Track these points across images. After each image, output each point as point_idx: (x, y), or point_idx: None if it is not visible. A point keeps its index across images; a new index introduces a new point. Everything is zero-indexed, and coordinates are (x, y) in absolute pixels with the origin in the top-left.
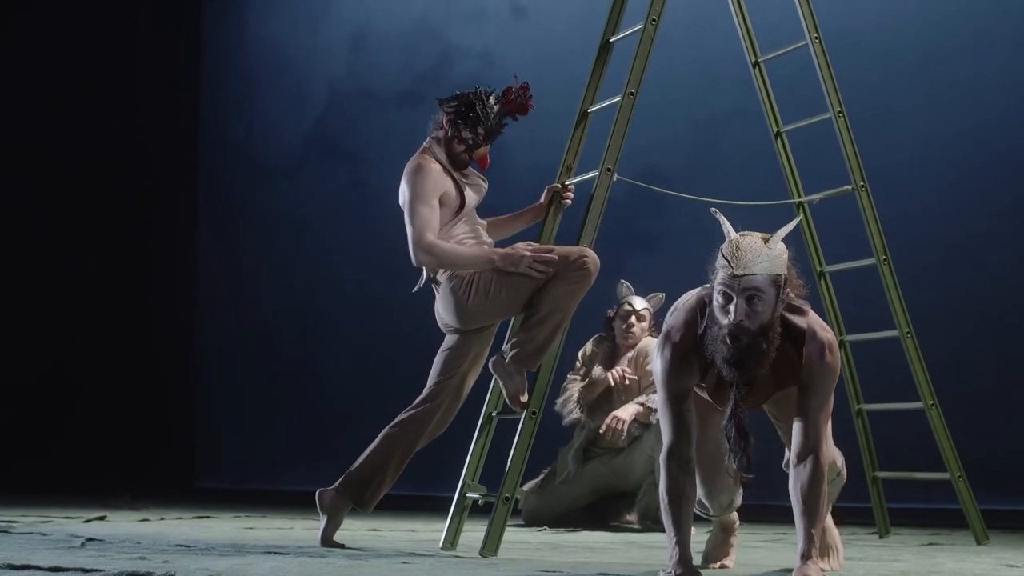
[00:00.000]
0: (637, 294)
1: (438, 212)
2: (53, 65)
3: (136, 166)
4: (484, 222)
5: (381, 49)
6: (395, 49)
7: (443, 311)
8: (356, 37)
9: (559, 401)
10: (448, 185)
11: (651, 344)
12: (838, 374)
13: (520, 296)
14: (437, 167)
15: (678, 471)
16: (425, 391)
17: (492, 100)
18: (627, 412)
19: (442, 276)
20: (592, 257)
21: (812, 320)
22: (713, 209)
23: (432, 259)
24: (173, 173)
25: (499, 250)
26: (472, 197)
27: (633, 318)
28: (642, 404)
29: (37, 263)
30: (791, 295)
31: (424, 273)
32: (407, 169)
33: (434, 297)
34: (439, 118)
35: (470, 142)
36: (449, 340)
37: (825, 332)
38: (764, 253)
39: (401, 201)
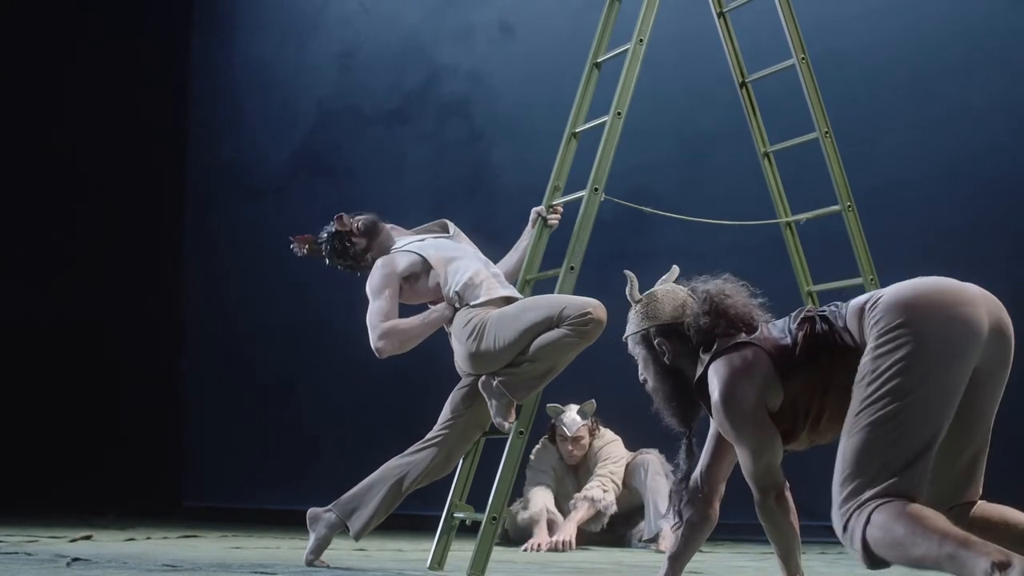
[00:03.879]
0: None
1: (395, 297)
2: (43, 83)
3: (124, 184)
4: (485, 260)
5: (369, 68)
6: (383, 68)
7: (457, 357)
8: (344, 56)
9: (526, 515)
10: (400, 262)
11: (603, 444)
12: (726, 419)
13: (525, 343)
14: (386, 259)
15: (690, 494)
16: (434, 429)
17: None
18: (567, 532)
19: (452, 326)
20: (596, 316)
21: (710, 371)
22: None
23: (387, 343)
24: (160, 192)
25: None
26: (433, 249)
27: (570, 444)
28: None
29: (23, 281)
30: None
31: (446, 328)
32: None
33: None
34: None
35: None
36: (464, 381)
37: (713, 381)
38: (630, 317)
39: None
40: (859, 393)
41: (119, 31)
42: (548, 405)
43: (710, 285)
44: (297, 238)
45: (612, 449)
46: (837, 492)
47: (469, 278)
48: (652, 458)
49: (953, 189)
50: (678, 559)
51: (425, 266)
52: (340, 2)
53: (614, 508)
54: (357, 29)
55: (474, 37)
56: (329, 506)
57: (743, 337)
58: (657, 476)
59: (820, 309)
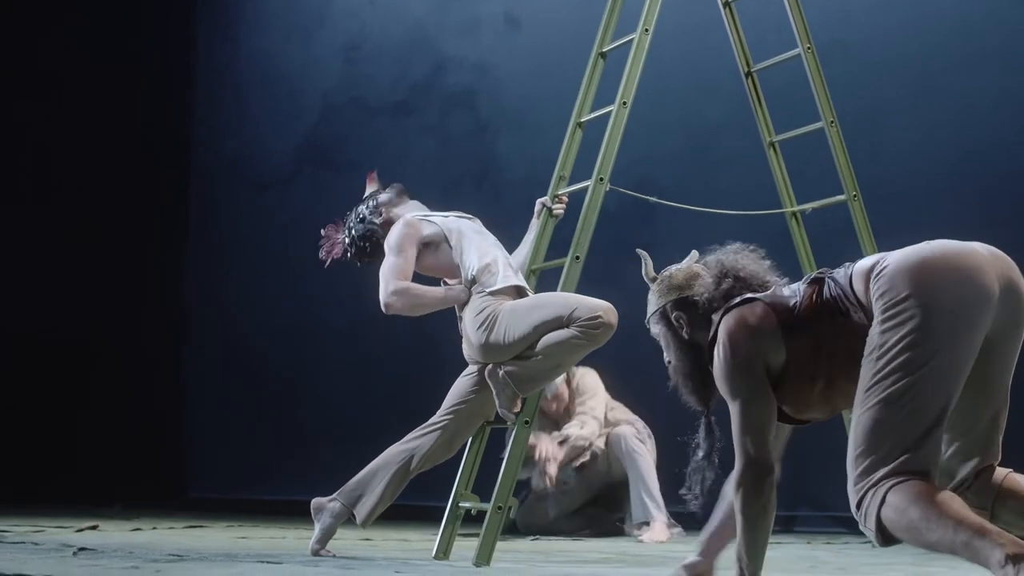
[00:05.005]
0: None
1: (412, 259)
2: (45, 76)
3: (127, 179)
4: (503, 249)
5: (375, 60)
6: (389, 60)
7: (465, 343)
8: (350, 48)
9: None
10: (425, 228)
11: (578, 372)
12: (725, 370)
13: (534, 339)
14: (410, 220)
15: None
16: (438, 414)
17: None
18: (558, 454)
19: (464, 311)
20: (606, 320)
21: (720, 325)
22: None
23: (397, 298)
24: (164, 186)
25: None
26: (454, 221)
27: (554, 404)
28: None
29: (23, 275)
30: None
31: (458, 312)
32: None
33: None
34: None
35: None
36: (471, 368)
37: (720, 333)
38: (648, 299)
39: None
40: (869, 368)
41: (122, 25)
42: None
43: (721, 253)
44: (327, 229)
45: (586, 382)
46: (851, 468)
47: (487, 264)
48: (627, 431)
49: (959, 180)
50: (719, 537)
51: (445, 240)
52: None
53: (593, 443)
54: (363, 21)
55: (480, 29)
56: (333, 495)
57: (753, 294)
58: (635, 454)
59: (832, 271)
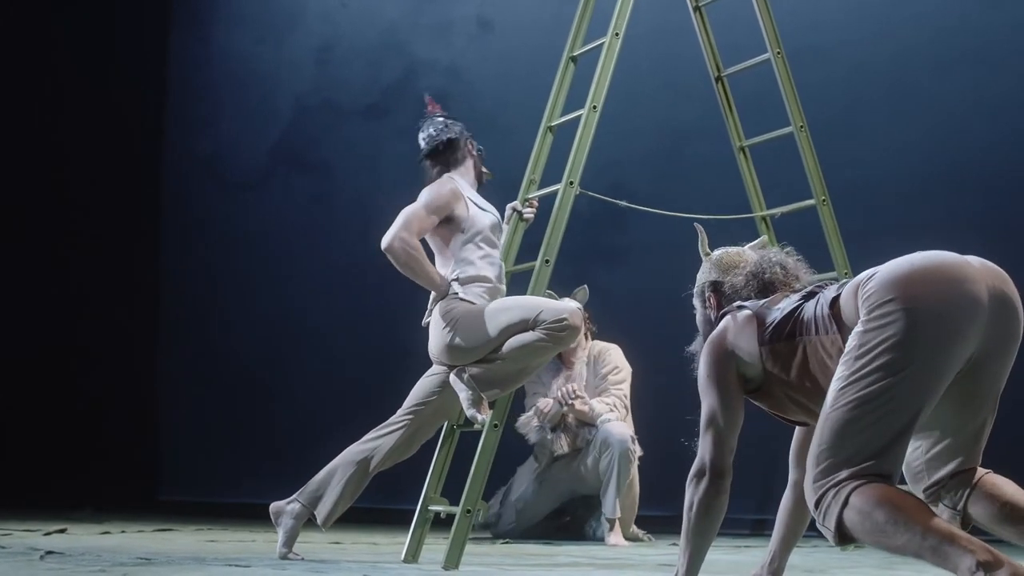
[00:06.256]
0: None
1: (433, 224)
2: (18, 75)
3: (100, 180)
4: (501, 272)
5: (347, 63)
6: (362, 63)
7: (431, 342)
8: (322, 51)
9: (521, 419)
10: (459, 207)
11: (601, 346)
12: (701, 374)
13: (499, 342)
14: (456, 190)
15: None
16: (399, 412)
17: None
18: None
19: (435, 307)
20: (571, 322)
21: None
22: (697, 225)
23: (401, 249)
24: (138, 187)
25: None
26: (484, 219)
27: None
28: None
29: None
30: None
31: (430, 306)
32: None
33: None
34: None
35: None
36: (435, 368)
37: (710, 335)
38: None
39: None
40: (847, 367)
41: (95, 26)
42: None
43: (769, 252)
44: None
45: (613, 358)
46: (812, 464)
47: (478, 276)
48: (628, 433)
49: (929, 183)
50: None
51: (469, 224)
52: None
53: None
54: (336, 24)
55: (452, 32)
56: (292, 497)
57: (748, 301)
58: (629, 457)
59: (825, 287)
